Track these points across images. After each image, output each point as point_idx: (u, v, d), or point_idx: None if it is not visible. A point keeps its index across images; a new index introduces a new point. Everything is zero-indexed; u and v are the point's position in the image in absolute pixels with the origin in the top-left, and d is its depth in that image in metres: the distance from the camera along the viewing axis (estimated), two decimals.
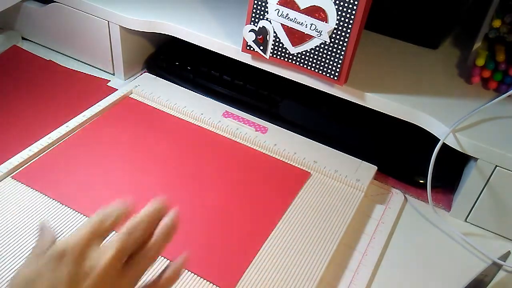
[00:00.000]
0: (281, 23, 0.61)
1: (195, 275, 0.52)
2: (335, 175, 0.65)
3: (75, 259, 0.35)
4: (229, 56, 0.70)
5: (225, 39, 0.70)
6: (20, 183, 0.60)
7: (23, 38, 0.88)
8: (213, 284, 0.51)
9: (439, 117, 0.60)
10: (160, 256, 0.53)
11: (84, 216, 0.57)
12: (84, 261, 0.35)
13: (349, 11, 0.57)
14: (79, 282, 0.35)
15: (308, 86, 0.66)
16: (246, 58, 0.69)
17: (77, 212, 0.57)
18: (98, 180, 0.61)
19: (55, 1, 0.79)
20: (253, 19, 0.63)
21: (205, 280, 0.52)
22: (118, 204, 0.40)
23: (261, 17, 0.62)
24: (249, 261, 0.54)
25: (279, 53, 0.64)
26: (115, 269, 0.36)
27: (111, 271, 0.36)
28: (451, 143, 0.59)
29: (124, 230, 0.38)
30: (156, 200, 0.41)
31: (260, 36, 0.64)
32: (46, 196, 0.58)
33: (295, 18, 0.60)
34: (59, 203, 0.58)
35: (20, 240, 0.53)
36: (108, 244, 0.37)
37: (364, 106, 0.64)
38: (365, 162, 0.67)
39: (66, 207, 0.57)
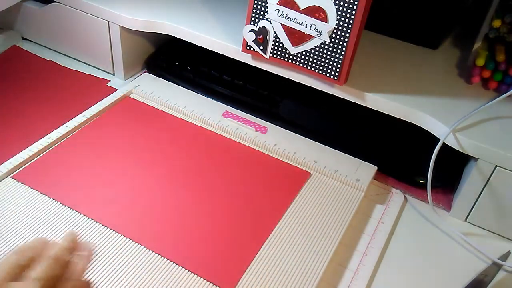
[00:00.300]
0: (281, 23, 0.61)
1: (195, 275, 0.52)
2: (335, 175, 0.65)
3: None
4: (229, 56, 0.70)
5: (225, 39, 0.70)
6: (20, 183, 0.60)
7: (23, 38, 0.88)
8: (213, 284, 0.51)
9: (439, 117, 0.60)
10: (161, 256, 0.53)
11: (84, 216, 0.57)
12: None
13: (349, 11, 0.57)
14: None
15: (308, 86, 0.66)
16: (246, 58, 0.69)
17: (77, 212, 0.57)
18: (98, 180, 0.61)
19: (55, 1, 0.79)
20: (253, 19, 0.63)
21: (205, 280, 0.52)
22: (36, 239, 0.40)
23: (261, 17, 0.62)
24: (249, 261, 0.54)
25: (279, 53, 0.64)
26: None
27: None
28: (451, 143, 0.59)
29: (44, 262, 0.37)
30: (68, 233, 0.41)
31: (260, 36, 0.64)
32: (46, 196, 0.58)
33: (295, 18, 0.60)
34: (59, 203, 0.58)
35: (20, 240, 0.53)
36: (32, 275, 0.36)
37: (364, 106, 0.64)
38: (365, 162, 0.67)
39: (66, 207, 0.58)
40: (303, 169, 0.66)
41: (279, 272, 0.53)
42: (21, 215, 0.56)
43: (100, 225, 0.56)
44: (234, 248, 0.55)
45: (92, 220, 0.56)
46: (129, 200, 0.59)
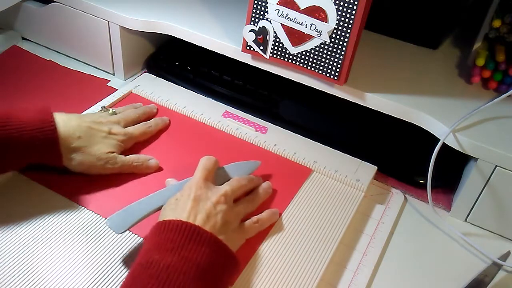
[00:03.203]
0: (281, 23, 0.61)
1: None
2: (335, 175, 0.65)
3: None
4: (229, 56, 0.70)
5: (225, 39, 0.70)
6: (28, 178, 0.60)
7: (23, 38, 0.88)
8: None
9: (439, 117, 0.60)
10: None
11: (89, 211, 0.57)
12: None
13: (349, 11, 0.57)
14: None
15: (308, 86, 0.66)
16: (246, 58, 0.69)
17: (81, 207, 0.57)
18: (99, 179, 0.61)
19: (55, 1, 0.79)
20: (253, 19, 0.63)
21: None
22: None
23: (261, 17, 0.62)
24: (246, 260, 0.54)
25: (279, 53, 0.64)
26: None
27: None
28: (451, 143, 0.59)
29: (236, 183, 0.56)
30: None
31: (260, 36, 0.64)
32: (53, 191, 0.59)
33: (295, 18, 0.60)
34: (67, 199, 0.58)
35: (25, 237, 0.54)
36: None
37: (364, 106, 0.64)
38: (365, 162, 0.67)
39: (74, 203, 0.58)
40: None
41: (279, 272, 0.53)
42: (30, 211, 0.56)
43: (103, 219, 0.56)
44: None
45: (96, 215, 0.57)
46: (131, 197, 0.59)
